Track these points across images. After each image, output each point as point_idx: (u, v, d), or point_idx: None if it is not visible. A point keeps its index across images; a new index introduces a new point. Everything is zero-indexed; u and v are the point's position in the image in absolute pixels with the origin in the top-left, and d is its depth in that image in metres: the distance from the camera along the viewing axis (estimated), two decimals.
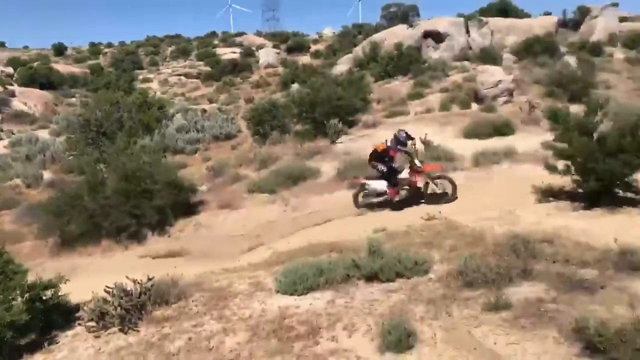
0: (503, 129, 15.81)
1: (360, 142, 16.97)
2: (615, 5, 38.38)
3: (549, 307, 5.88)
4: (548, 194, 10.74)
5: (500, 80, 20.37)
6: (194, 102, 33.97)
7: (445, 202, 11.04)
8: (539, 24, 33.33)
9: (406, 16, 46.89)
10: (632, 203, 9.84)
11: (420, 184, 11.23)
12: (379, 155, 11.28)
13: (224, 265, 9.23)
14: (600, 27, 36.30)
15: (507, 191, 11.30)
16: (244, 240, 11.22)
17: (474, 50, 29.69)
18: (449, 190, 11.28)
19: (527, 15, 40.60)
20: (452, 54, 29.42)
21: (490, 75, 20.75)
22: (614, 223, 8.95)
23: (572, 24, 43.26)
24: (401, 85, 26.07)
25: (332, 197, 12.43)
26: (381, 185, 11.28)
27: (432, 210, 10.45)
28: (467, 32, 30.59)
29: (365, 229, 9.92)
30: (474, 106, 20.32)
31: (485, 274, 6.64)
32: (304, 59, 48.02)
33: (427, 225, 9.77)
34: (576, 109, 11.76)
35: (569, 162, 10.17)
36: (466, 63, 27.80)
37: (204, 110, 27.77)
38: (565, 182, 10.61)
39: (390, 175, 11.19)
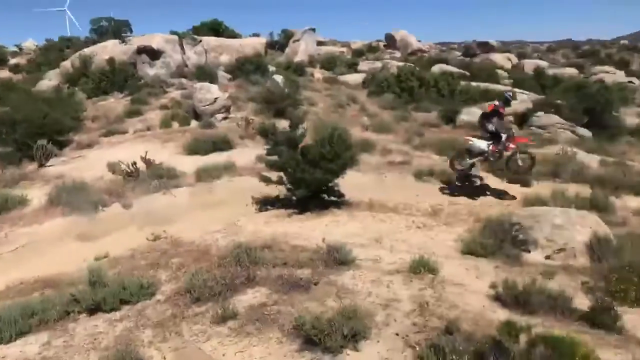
0: (222, 144, 16.36)
1: (75, 164, 15.66)
2: (313, 30, 43.27)
3: (271, 310, 6.29)
4: (266, 203, 11.52)
5: (217, 98, 21.01)
6: None
7: (522, 174, 12.83)
8: (250, 44, 35.47)
9: (118, 31, 45.08)
10: (336, 205, 11.20)
11: (510, 150, 12.57)
12: (487, 116, 12.65)
13: None
14: (302, 49, 40.45)
15: (229, 204, 11.73)
16: None
17: (190, 68, 30.07)
18: (527, 164, 12.58)
19: (238, 36, 42.94)
20: (169, 71, 29.25)
21: (208, 93, 21.22)
22: (322, 224, 10.06)
23: (278, 45, 47.32)
24: (117, 102, 24.89)
25: (44, 228, 11.17)
26: (483, 144, 12.53)
27: (158, 230, 10.26)
28: (183, 49, 30.84)
29: (85, 257, 9.23)
30: (194, 123, 20.59)
31: (212, 287, 6.79)
32: (2, 74, 42.21)
33: (152, 246, 9.55)
34: (284, 124, 12.88)
35: (281, 173, 11.09)
36: (184, 80, 27.96)
37: None
38: (280, 191, 11.52)
39: (495, 135, 12.47)
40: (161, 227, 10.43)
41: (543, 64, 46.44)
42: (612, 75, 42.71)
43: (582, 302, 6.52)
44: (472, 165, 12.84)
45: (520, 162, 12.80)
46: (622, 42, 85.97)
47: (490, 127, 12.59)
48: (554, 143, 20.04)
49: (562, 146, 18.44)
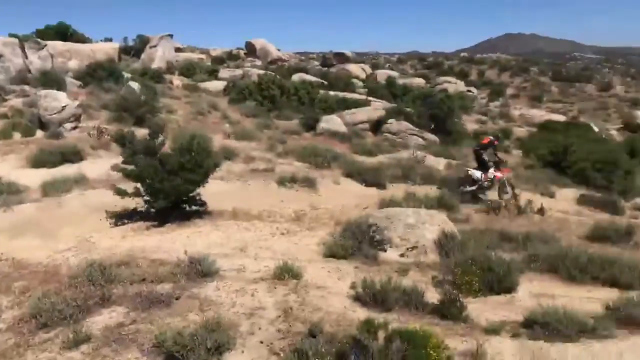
0: (72, 155, 15.24)
1: None
2: (171, 36, 42.00)
3: (129, 330, 5.96)
4: (122, 217, 10.92)
5: (65, 106, 19.50)
6: None
7: (507, 200, 13.94)
8: (102, 50, 33.51)
9: None
10: (198, 215, 10.94)
11: (499, 179, 14.52)
12: (483, 148, 14.90)
13: None
14: (159, 55, 39.02)
15: (81, 219, 10.94)
16: None
17: (34, 74, 27.64)
18: (510, 192, 14.32)
19: (89, 40, 40.36)
20: (8, 76, 26.58)
21: (54, 100, 19.60)
22: (184, 236, 9.75)
23: (133, 51, 45.22)
24: None
25: None
26: (478, 173, 14.53)
27: None
28: (25, 54, 28.26)
29: None
30: (40, 133, 18.94)
31: (61, 310, 6.27)
32: None
33: None
34: (141, 132, 12.34)
35: (139, 184, 10.58)
36: (26, 87, 25.61)
37: None
38: (137, 203, 10.99)
39: (485, 165, 14.62)
40: (0, 248, 9.44)
41: (394, 74, 49.65)
42: (454, 85, 46.94)
43: (433, 296, 7.01)
44: (473, 191, 14.42)
45: (505, 190, 14.36)
46: (462, 54, 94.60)
47: (484, 157, 14.53)
48: (406, 148, 21.44)
49: (413, 150, 19.80)
